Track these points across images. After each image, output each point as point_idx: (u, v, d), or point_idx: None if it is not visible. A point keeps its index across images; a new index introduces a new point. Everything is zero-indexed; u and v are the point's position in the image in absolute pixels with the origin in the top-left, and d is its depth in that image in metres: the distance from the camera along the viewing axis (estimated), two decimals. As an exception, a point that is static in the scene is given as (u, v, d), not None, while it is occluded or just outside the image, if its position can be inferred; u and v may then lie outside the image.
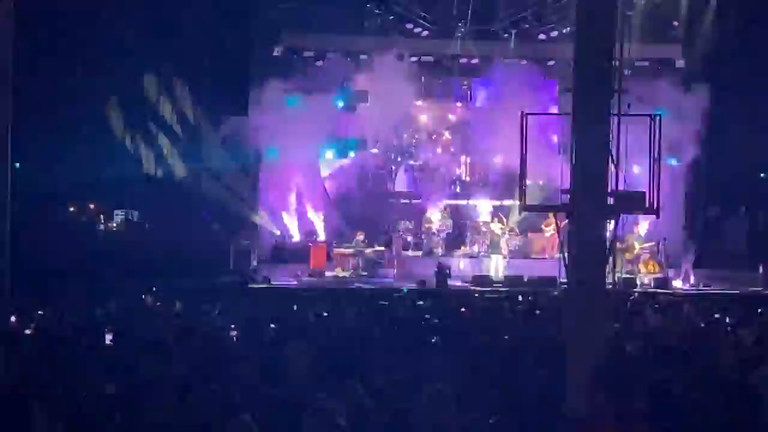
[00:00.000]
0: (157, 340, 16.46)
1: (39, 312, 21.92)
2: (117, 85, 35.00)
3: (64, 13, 32.73)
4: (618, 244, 24.31)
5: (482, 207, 37.78)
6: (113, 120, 35.09)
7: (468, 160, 39.28)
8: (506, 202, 35.97)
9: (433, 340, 17.48)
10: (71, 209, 37.68)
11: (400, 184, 39.39)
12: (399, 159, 39.47)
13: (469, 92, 39.22)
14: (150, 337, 17.29)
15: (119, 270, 29.93)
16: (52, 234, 33.09)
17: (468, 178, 39.13)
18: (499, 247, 34.95)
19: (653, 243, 34.78)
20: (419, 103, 39.21)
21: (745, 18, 35.71)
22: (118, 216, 39.31)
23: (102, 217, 38.42)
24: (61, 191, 35.48)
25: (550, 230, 34.39)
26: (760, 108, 35.01)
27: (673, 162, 35.35)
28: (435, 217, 37.11)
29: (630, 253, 34.01)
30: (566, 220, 17.73)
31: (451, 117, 39.66)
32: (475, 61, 38.36)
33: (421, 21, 37.40)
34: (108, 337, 17.18)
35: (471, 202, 38.25)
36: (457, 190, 38.87)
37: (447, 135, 39.63)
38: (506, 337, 18.40)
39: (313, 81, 37.35)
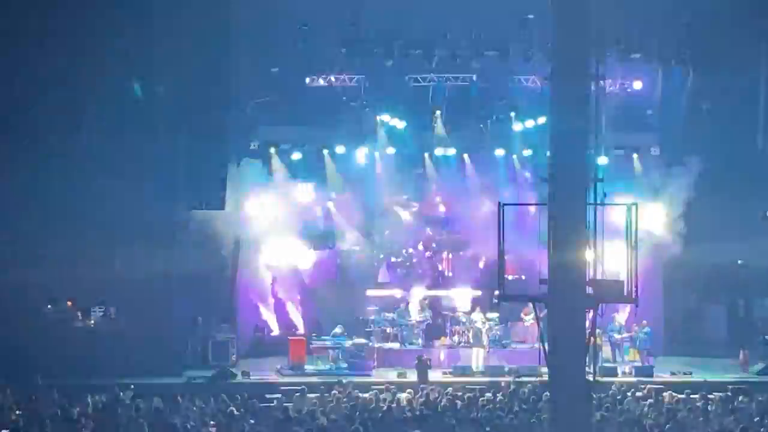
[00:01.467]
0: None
1: (17, 411, 21.78)
2: (91, 186, 34.94)
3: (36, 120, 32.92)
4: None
5: (462, 299, 37.72)
6: (88, 218, 34.98)
7: (449, 256, 39.28)
8: (486, 292, 35.81)
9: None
10: (48, 307, 37.41)
11: (383, 278, 39.34)
12: (381, 255, 39.45)
13: (447, 184, 39.22)
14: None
15: (96, 367, 29.71)
16: (29, 331, 32.86)
17: (450, 273, 39.10)
18: (481, 339, 34.85)
19: (633, 332, 34.73)
20: (399, 198, 39.26)
21: (719, 102, 36.06)
22: (96, 313, 39.05)
23: (80, 314, 38.14)
24: (38, 290, 35.29)
25: (529, 319, 34.36)
26: (737, 195, 35.19)
27: (650, 248, 35.35)
28: (414, 308, 37.03)
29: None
30: (545, 309, 17.70)
31: (431, 213, 39.67)
32: (451, 152, 38.46)
33: (397, 113, 37.48)
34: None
35: (450, 293, 38.16)
36: (439, 282, 38.82)
37: (428, 231, 39.67)
38: (488, 428, 18.35)
39: (291, 174, 37.48)
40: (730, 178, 35.30)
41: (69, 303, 37.66)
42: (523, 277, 32.36)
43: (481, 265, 37.97)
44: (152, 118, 34.33)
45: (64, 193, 34.54)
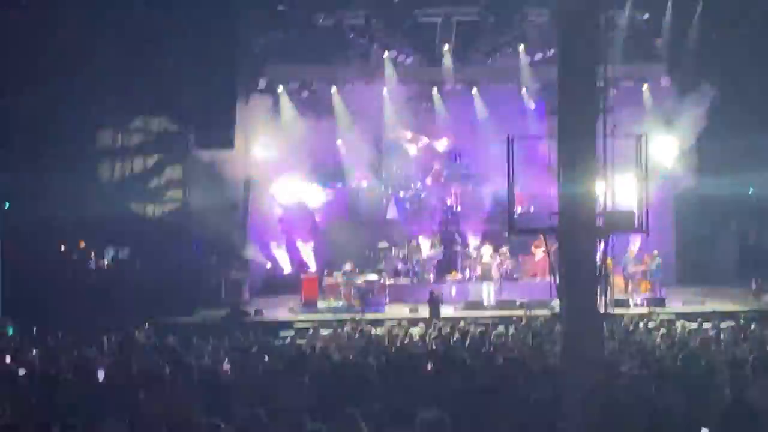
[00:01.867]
0: (151, 375, 16.44)
1: (32, 351, 21.89)
2: (103, 121, 34.97)
3: (46, 46, 32.68)
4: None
5: (472, 233, 37.81)
6: (100, 156, 35.03)
7: (458, 191, 39.24)
8: (495, 226, 35.78)
9: (428, 367, 17.47)
10: (62, 248, 37.54)
11: (391, 214, 39.39)
12: (390, 191, 39.46)
13: (455, 119, 39.13)
14: (143, 373, 17.28)
15: (111, 307, 29.85)
16: (43, 273, 33.00)
17: (459, 208, 39.08)
18: (491, 274, 34.98)
19: (645, 264, 34.76)
20: (407, 134, 39.26)
21: (729, 32, 35.82)
22: (109, 253, 39.21)
23: (93, 254, 38.29)
24: (51, 230, 35.41)
25: (540, 252, 34.37)
26: (748, 124, 35.07)
27: (662, 179, 35.37)
28: (425, 244, 37.15)
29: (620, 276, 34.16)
30: (556, 242, 17.71)
31: (439, 147, 39.61)
32: (459, 87, 38.39)
33: (405, 48, 37.36)
34: (100, 374, 17.14)
35: (460, 228, 38.22)
36: (448, 218, 38.83)
37: (436, 166, 39.62)
38: (501, 360, 18.41)
39: (300, 112, 37.48)
40: (741, 108, 35.12)
41: (82, 243, 37.85)
42: (532, 209, 32.35)
43: (490, 198, 37.95)
44: (160, 56, 34.26)
45: (76, 130, 34.57)
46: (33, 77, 32.56)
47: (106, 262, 38.50)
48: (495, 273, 35.06)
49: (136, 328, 26.37)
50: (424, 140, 39.68)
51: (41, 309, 28.39)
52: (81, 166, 34.91)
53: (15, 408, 13.99)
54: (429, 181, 39.70)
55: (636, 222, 16.80)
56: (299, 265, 38.18)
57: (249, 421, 10.85)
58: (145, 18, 33.38)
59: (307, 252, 38.59)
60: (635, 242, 35.10)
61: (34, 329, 25.62)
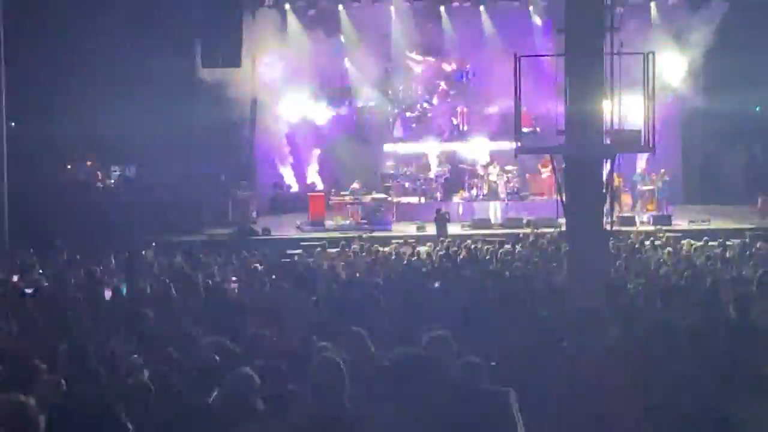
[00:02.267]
0: (159, 293, 16.55)
1: (39, 271, 22.00)
2: (107, 41, 34.83)
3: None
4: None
5: (479, 151, 37.78)
6: (105, 77, 34.92)
7: (464, 110, 39.11)
8: (502, 145, 35.69)
9: (435, 285, 17.56)
10: (68, 167, 37.62)
11: (398, 133, 39.34)
12: (396, 110, 39.39)
13: (462, 37, 38.93)
14: (151, 292, 17.38)
15: (118, 226, 29.94)
16: (49, 192, 33.09)
17: (465, 127, 38.98)
18: (498, 191, 35.02)
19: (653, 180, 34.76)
20: (413, 54, 39.13)
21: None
22: (116, 172, 39.27)
23: (99, 174, 38.36)
24: (57, 149, 35.45)
25: (547, 171, 34.31)
26: (756, 42, 34.88)
27: (669, 98, 35.29)
28: (433, 163, 37.17)
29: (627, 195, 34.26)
30: (563, 161, 17.72)
31: (446, 66, 39.45)
32: (467, 4, 38.18)
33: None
34: (107, 293, 17.24)
35: (467, 146, 38.16)
36: (455, 136, 38.78)
37: (443, 85, 39.47)
38: (507, 276, 18.50)
39: (307, 30, 37.31)
40: (750, 25, 34.88)
41: (89, 162, 37.87)
42: (538, 129, 32.33)
43: (497, 117, 37.88)
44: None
45: (82, 47, 34.48)
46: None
47: (112, 181, 38.58)
48: (502, 191, 35.10)
49: (144, 247, 26.49)
50: (431, 59, 39.53)
51: (48, 229, 28.46)
52: (87, 87, 34.82)
53: (22, 327, 14.10)
54: (435, 100, 39.55)
55: (642, 141, 16.78)
56: (307, 183, 38.22)
57: (256, 340, 10.92)
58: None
59: (314, 170, 38.64)
60: (643, 160, 35.09)
61: (41, 248, 25.67)
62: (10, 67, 30.75)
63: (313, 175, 38.42)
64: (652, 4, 37.40)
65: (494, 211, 34.45)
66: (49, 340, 12.32)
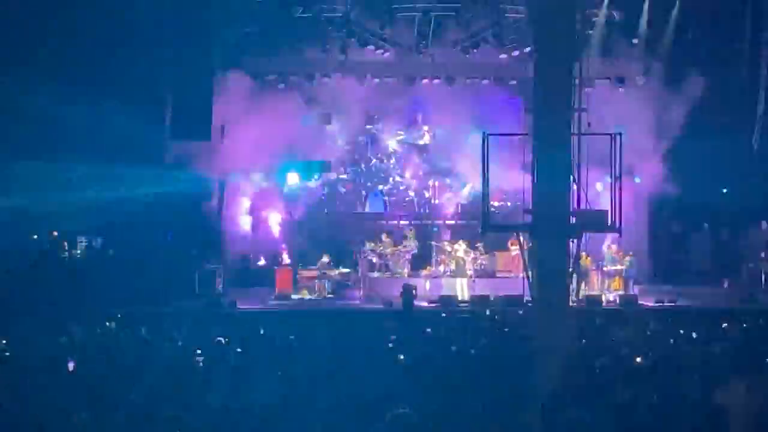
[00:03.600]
0: (123, 366, 16.43)
1: (2, 341, 21.80)
2: (73, 110, 34.74)
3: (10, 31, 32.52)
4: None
5: (447, 228, 37.88)
6: (70, 145, 34.77)
7: (436, 184, 39.28)
8: (471, 223, 35.76)
9: (400, 360, 17.50)
10: (34, 237, 37.37)
11: (369, 207, 39.43)
12: (368, 184, 39.52)
13: (433, 113, 39.15)
14: (115, 364, 17.26)
15: (83, 297, 29.73)
16: (14, 261, 32.85)
17: (436, 201, 39.12)
18: (465, 270, 35.04)
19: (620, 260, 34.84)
20: (387, 127, 39.38)
21: (705, 32, 35.88)
22: (82, 243, 39.06)
23: (65, 244, 38.14)
24: (21, 219, 35.24)
25: (516, 249, 34.34)
26: (721, 124, 35.24)
27: (637, 180, 35.60)
28: (401, 238, 37.16)
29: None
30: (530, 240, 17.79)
31: (418, 140, 39.62)
32: (437, 81, 38.37)
33: (382, 42, 37.28)
34: (71, 365, 17.09)
35: (436, 222, 38.25)
36: (425, 212, 38.88)
37: (415, 158, 39.63)
38: (472, 352, 18.46)
39: (277, 104, 37.37)
40: (719, 110, 35.26)
41: (54, 233, 37.67)
42: (509, 204, 32.55)
43: (467, 193, 38.12)
44: (135, 46, 34.09)
45: (44, 112, 34.32)
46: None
47: (78, 252, 38.36)
48: (469, 268, 35.12)
49: (108, 318, 26.30)
50: (401, 134, 39.72)
51: (11, 298, 28.22)
52: (52, 155, 34.67)
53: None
54: (407, 174, 39.70)
55: (609, 221, 16.88)
56: (274, 257, 38.14)
57: (219, 415, 10.86)
58: (119, 9, 33.28)
59: (282, 244, 38.58)
60: (612, 240, 35.22)
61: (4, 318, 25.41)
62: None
63: (281, 249, 38.34)
64: (621, 87, 37.62)
65: (461, 287, 34.45)
66: (10, 412, 12.19)
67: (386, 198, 39.34)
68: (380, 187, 39.58)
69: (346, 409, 11.18)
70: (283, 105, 37.06)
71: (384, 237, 36.69)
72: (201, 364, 18.44)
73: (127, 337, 23.09)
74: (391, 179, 39.63)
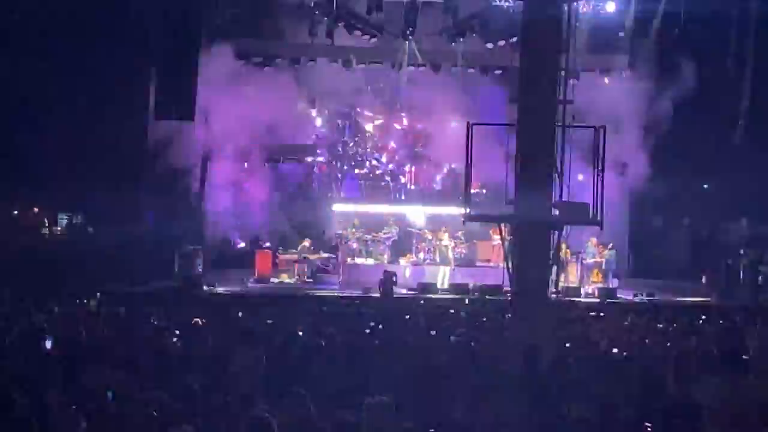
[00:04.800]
0: (100, 346, 16.38)
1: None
2: (64, 85, 34.65)
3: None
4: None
5: (428, 215, 37.81)
6: (57, 120, 34.69)
7: (413, 169, 39.21)
8: (451, 211, 35.73)
9: (376, 346, 17.49)
10: (14, 212, 37.30)
11: (347, 192, 39.37)
12: (345, 167, 39.44)
13: (415, 100, 39.10)
14: (93, 344, 17.20)
15: (62, 275, 29.68)
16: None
17: (413, 187, 39.07)
18: (447, 257, 35.05)
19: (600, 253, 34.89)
20: (366, 112, 39.36)
21: (690, 27, 35.90)
22: (63, 219, 38.97)
23: (46, 220, 38.08)
24: (4, 194, 35.14)
25: (498, 238, 34.36)
26: (705, 119, 35.36)
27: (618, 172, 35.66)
28: (381, 224, 37.14)
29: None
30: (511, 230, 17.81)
31: (397, 126, 39.57)
32: (422, 68, 38.32)
33: (369, 28, 37.22)
34: (48, 343, 17.04)
35: (416, 209, 38.19)
36: (402, 198, 38.80)
37: (393, 144, 39.56)
38: (451, 338, 18.46)
39: (260, 86, 37.27)
40: (703, 104, 35.35)
41: (35, 209, 37.58)
42: (485, 191, 32.61)
43: (446, 180, 38.13)
44: (123, 20, 34.04)
45: (35, 93, 34.26)
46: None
47: (59, 229, 38.30)
48: (451, 257, 35.16)
49: (87, 297, 26.25)
50: (382, 118, 39.68)
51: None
52: (34, 129, 34.58)
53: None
54: (384, 159, 39.59)
55: (590, 214, 16.91)
56: (254, 239, 38.10)
57: (194, 396, 10.85)
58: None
59: (262, 226, 38.52)
60: (592, 232, 35.23)
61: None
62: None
63: (261, 231, 38.27)
64: (606, 79, 37.67)
65: (442, 276, 34.47)
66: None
67: (362, 182, 39.22)
68: (357, 171, 39.46)
69: (323, 395, 11.17)
70: (266, 87, 36.99)
71: (366, 223, 36.66)
72: (178, 345, 18.42)
73: (106, 317, 23.03)
74: (367, 163, 39.53)
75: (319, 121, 39.46)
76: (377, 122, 39.70)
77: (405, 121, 39.53)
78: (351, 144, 39.48)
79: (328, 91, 38.28)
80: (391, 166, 39.33)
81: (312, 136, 39.63)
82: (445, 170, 38.06)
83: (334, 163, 39.56)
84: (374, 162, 39.48)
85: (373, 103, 39.37)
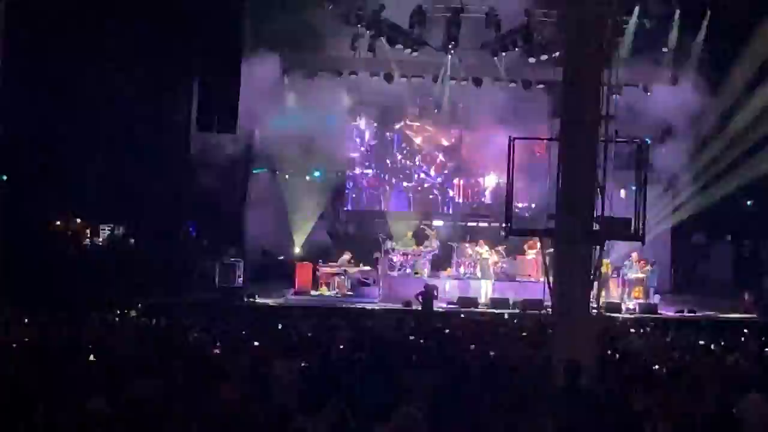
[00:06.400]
0: (141, 356, 16.44)
1: (25, 327, 21.85)
2: (108, 97, 34.80)
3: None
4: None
5: (471, 229, 37.78)
6: (100, 132, 34.83)
7: (461, 183, 39.24)
8: (494, 225, 35.69)
9: (415, 360, 17.47)
10: (57, 223, 37.48)
11: (393, 204, 39.41)
12: (393, 180, 39.52)
13: (461, 113, 39.09)
14: (133, 354, 17.27)
15: (104, 285, 29.81)
16: (37, 248, 32.91)
17: (460, 200, 39.06)
18: (489, 271, 34.85)
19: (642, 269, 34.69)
20: (412, 124, 39.43)
21: (735, 41, 35.66)
22: (105, 231, 39.13)
23: (88, 231, 38.24)
24: (47, 205, 35.30)
25: (532, 253, 34.27)
26: (750, 134, 35.09)
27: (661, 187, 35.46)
28: (424, 237, 37.06)
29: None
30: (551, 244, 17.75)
31: (444, 140, 39.58)
32: (464, 83, 38.29)
33: (411, 42, 37.21)
34: (90, 353, 17.11)
35: (459, 223, 38.19)
36: (450, 211, 38.79)
37: (441, 157, 39.61)
38: (491, 354, 18.41)
39: (305, 98, 37.35)
40: (745, 120, 35.11)
41: (78, 219, 37.75)
42: (534, 206, 32.56)
43: (490, 194, 38.16)
44: (164, 40, 34.18)
45: (76, 101, 34.35)
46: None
47: (100, 240, 38.45)
48: (492, 271, 35.00)
49: (128, 307, 26.36)
50: (430, 130, 39.73)
51: (34, 285, 28.29)
52: (78, 142, 34.72)
53: (1, 383, 13.97)
54: (433, 172, 39.65)
55: (633, 229, 16.83)
56: (296, 251, 38.14)
57: (237, 407, 10.87)
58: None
59: (303, 239, 38.54)
60: (633, 248, 35.04)
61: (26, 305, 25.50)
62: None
63: (302, 244, 38.30)
64: (649, 94, 37.46)
65: (485, 290, 34.32)
66: (28, 398, 12.21)
67: (410, 195, 39.28)
68: (404, 184, 39.53)
69: (361, 408, 11.18)
70: (310, 100, 37.06)
71: (409, 235, 36.61)
72: (218, 356, 18.45)
73: (146, 327, 23.13)
74: (415, 176, 39.59)
75: (367, 134, 39.45)
76: (425, 135, 39.73)
77: (451, 135, 39.52)
78: (399, 157, 39.55)
79: (373, 103, 38.34)
80: (439, 179, 39.38)
81: (360, 148, 39.68)
82: (494, 184, 38.02)
83: (382, 175, 39.63)
84: (422, 175, 39.55)
85: (420, 115, 39.40)
